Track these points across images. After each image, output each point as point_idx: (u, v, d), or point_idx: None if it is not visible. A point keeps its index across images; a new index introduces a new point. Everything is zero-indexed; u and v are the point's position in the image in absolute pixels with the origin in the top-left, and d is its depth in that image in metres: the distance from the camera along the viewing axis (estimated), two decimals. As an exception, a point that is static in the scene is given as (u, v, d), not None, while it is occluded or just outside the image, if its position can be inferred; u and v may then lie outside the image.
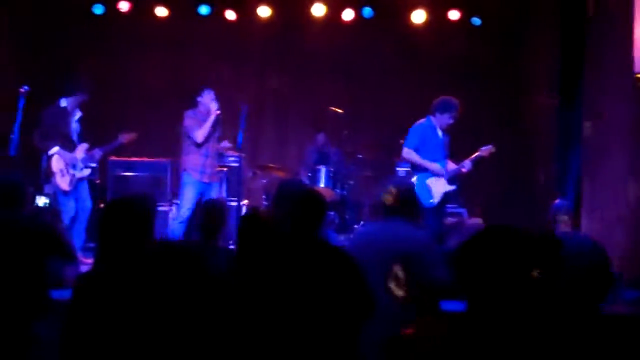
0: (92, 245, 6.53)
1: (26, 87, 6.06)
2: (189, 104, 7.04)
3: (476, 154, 6.65)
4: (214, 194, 6.91)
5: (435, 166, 6.45)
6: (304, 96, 9.61)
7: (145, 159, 8.28)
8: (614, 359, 3.10)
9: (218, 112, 6.84)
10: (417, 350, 1.99)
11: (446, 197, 6.50)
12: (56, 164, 6.52)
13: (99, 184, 8.05)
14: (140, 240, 2.54)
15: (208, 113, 6.87)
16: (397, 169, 8.49)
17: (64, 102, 6.65)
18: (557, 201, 5.15)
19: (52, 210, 3.90)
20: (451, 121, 6.50)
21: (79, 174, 6.66)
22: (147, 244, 2.55)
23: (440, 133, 6.56)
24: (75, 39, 8.97)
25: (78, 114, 6.78)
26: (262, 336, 2.95)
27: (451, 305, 3.28)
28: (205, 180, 6.89)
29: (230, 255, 4.31)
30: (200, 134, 6.80)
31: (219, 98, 7.03)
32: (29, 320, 3.59)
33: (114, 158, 8.08)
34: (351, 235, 7.69)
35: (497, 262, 1.99)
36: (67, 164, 6.57)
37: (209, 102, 6.89)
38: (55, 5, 8.78)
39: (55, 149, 6.53)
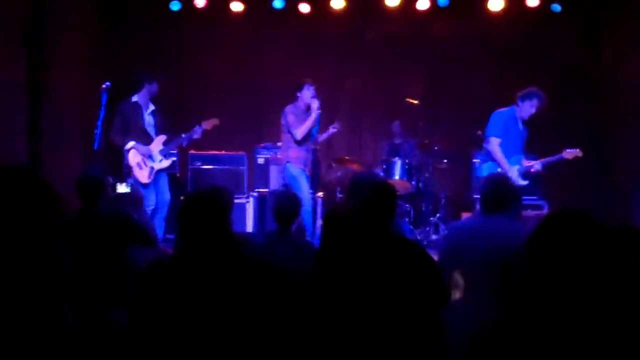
0: (171, 236, 6.73)
1: (108, 83, 6.22)
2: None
3: (556, 156, 6.50)
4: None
5: (508, 167, 6.28)
6: (379, 88, 9.56)
7: (224, 152, 8.44)
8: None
9: (319, 110, 6.97)
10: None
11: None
12: (133, 158, 6.75)
13: (179, 176, 8.25)
14: (217, 231, 2.58)
15: (308, 108, 7.02)
16: (474, 160, 8.36)
17: (135, 98, 6.88)
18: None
19: (133, 197, 4.04)
20: (533, 110, 6.34)
21: (157, 166, 6.85)
22: (223, 236, 2.59)
23: (520, 125, 6.44)
24: (154, 35, 9.18)
25: (151, 107, 6.97)
26: (340, 330, 2.96)
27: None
28: (308, 172, 7.10)
29: (305, 247, 4.36)
30: (300, 132, 6.94)
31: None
32: (109, 307, 3.70)
33: (193, 152, 8.27)
34: (446, 230, 7.70)
35: (570, 245, 1.94)
36: (143, 157, 6.78)
37: (309, 97, 7.02)
38: (134, 2, 9.01)
39: (131, 143, 6.75)
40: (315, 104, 6.96)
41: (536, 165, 6.48)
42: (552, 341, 1.89)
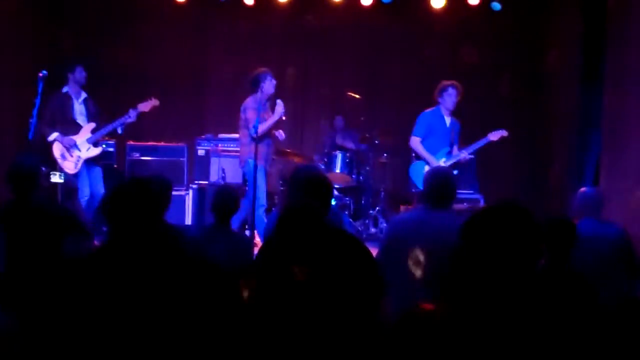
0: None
1: (45, 72, 6.11)
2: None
3: (481, 139, 6.74)
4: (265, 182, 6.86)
5: (430, 158, 6.63)
6: (321, 81, 9.60)
7: (163, 143, 8.35)
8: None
9: (283, 114, 6.73)
10: (432, 326, 1.96)
11: None
12: (56, 149, 6.69)
13: (116, 168, 8.13)
14: (145, 222, 2.54)
15: (268, 100, 6.83)
16: (414, 154, 8.46)
17: (65, 89, 6.83)
18: (584, 189, 5.04)
19: (67, 188, 3.97)
20: (454, 98, 6.66)
21: (85, 155, 6.77)
22: (155, 227, 2.56)
23: (448, 120, 6.73)
24: (96, 22, 9.03)
25: (83, 95, 6.90)
26: (276, 325, 2.97)
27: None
28: (268, 167, 6.97)
29: (244, 240, 4.37)
30: (261, 130, 6.60)
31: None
32: (42, 301, 3.64)
33: (131, 142, 8.15)
34: (385, 223, 7.82)
35: (501, 237, 1.98)
36: (67, 148, 6.71)
37: (271, 89, 6.78)
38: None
39: (54, 135, 6.69)
40: (280, 107, 6.70)
41: (462, 153, 6.71)
42: (477, 330, 1.94)
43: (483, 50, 9.24)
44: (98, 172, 6.87)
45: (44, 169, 5.24)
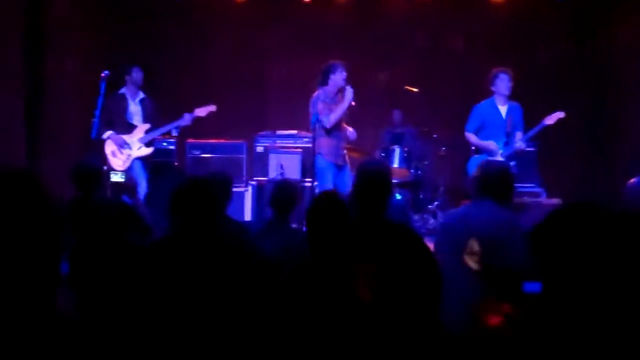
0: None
1: (107, 72, 6.26)
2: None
3: (537, 125, 6.61)
4: (347, 178, 6.69)
5: (488, 144, 6.53)
6: (379, 76, 9.56)
7: (222, 141, 8.43)
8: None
9: (352, 101, 6.59)
10: (503, 340, 1.92)
11: None
12: (108, 146, 6.90)
13: (177, 165, 8.26)
14: (209, 218, 2.59)
15: (337, 92, 6.70)
16: (473, 148, 8.36)
17: (122, 90, 7.03)
18: (633, 180, 4.90)
19: (128, 185, 4.07)
20: (508, 83, 6.54)
21: (135, 153, 6.95)
22: (214, 222, 2.61)
23: (503, 110, 6.60)
24: (155, 22, 9.19)
25: (140, 96, 7.08)
26: (334, 318, 2.97)
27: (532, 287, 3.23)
28: (339, 162, 6.79)
29: (300, 236, 4.37)
30: (331, 120, 6.59)
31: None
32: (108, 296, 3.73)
33: (191, 140, 8.27)
34: (441, 216, 7.75)
35: (578, 240, 1.90)
36: (118, 146, 6.89)
37: (341, 81, 6.67)
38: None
39: (107, 133, 6.87)
40: (349, 93, 6.58)
41: (518, 143, 6.53)
42: (562, 336, 1.87)
43: (545, 40, 9.06)
44: (139, 166, 6.99)
45: (105, 168, 5.39)
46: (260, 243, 3.95)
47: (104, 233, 4.08)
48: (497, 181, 3.82)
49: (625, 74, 8.24)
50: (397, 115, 9.05)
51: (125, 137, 6.95)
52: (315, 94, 6.71)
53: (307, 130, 7.90)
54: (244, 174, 8.26)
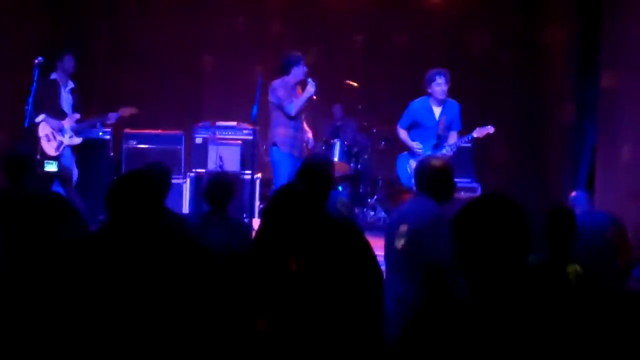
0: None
1: (40, 58, 6.09)
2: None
3: (464, 137, 6.57)
4: None
5: (414, 145, 6.48)
6: (319, 70, 9.52)
7: (160, 131, 8.30)
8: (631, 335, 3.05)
9: (313, 91, 6.58)
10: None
11: None
12: (42, 129, 6.76)
13: (113, 156, 8.10)
14: (148, 209, 2.53)
15: (296, 85, 6.65)
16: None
17: (53, 75, 6.91)
18: (574, 193, 5.12)
19: (62, 174, 3.96)
20: (444, 87, 6.43)
21: (67, 141, 6.87)
22: (154, 214, 2.55)
23: (437, 111, 6.53)
24: (91, 8, 8.98)
25: (70, 85, 7.00)
26: (275, 311, 2.95)
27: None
28: (296, 154, 6.61)
29: (241, 227, 4.34)
30: (295, 107, 6.53)
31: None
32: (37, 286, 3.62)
33: (128, 130, 8.11)
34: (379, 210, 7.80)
35: (495, 229, 1.95)
36: (53, 130, 6.79)
37: (301, 74, 6.63)
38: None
39: (42, 116, 6.73)
40: (311, 86, 6.57)
41: (446, 149, 6.50)
42: (473, 325, 1.91)
43: (480, 33, 9.20)
44: (69, 153, 6.93)
45: (38, 157, 5.25)
46: (198, 235, 3.89)
47: (35, 225, 3.96)
48: (433, 178, 3.88)
49: (559, 74, 8.44)
50: (337, 110, 9.08)
51: (61, 122, 6.86)
52: (275, 82, 6.62)
53: (245, 121, 7.85)
54: (182, 165, 8.15)
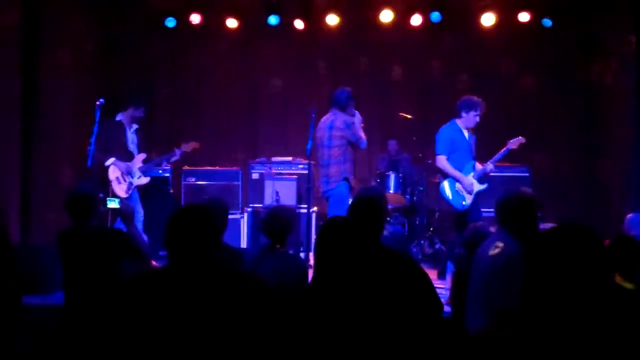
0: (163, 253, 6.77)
1: (102, 100, 6.28)
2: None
3: (502, 150, 6.61)
4: None
5: (464, 180, 6.51)
6: (373, 103, 9.59)
7: (218, 168, 8.45)
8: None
9: (362, 124, 6.71)
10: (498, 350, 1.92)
11: (478, 197, 6.56)
12: (112, 173, 6.99)
13: (173, 192, 8.27)
14: (204, 245, 2.58)
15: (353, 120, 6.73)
16: (439, 174, 8.39)
17: (119, 117, 7.14)
18: (631, 215, 5.00)
19: (124, 212, 4.04)
20: (478, 119, 6.54)
21: (136, 182, 7.11)
22: (212, 250, 2.59)
23: (466, 134, 6.61)
24: (149, 51, 9.24)
25: (134, 127, 7.22)
26: (333, 342, 2.96)
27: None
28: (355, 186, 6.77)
29: (298, 262, 4.36)
30: (365, 141, 6.67)
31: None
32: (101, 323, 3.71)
33: (186, 167, 8.28)
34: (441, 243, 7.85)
35: (571, 260, 1.93)
36: (122, 173, 7.01)
37: (353, 111, 6.72)
38: (130, 19, 9.05)
39: (111, 160, 6.96)
40: (358, 120, 6.68)
41: (488, 165, 6.56)
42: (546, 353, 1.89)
43: (534, 66, 9.14)
44: (136, 194, 7.15)
45: (101, 195, 5.38)
46: (256, 269, 3.93)
47: (97, 261, 4.06)
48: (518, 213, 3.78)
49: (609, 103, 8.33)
50: (392, 144, 9.09)
51: (128, 164, 7.08)
52: (339, 119, 6.66)
53: (300, 156, 7.94)
54: (240, 200, 8.26)
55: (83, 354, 3.71)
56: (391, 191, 8.12)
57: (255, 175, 8.33)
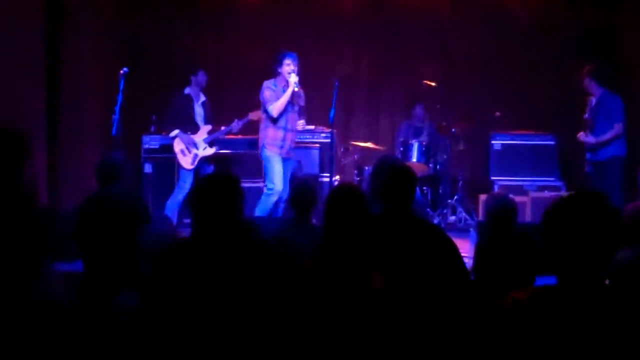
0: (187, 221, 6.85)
1: (126, 69, 6.30)
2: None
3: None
4: (288, 171, 6.87)
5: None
6: (396, 69, 9.50)
7: (240, 137, 8.42)
8: None
9: (297, 88, 6.65)
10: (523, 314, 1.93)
11: None
12: (177, 145, 7.20)
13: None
14: (230, 215, 2.60)
15: (287, 84, 6.70)
16: (492, 142, 8.32)
17: (186, 90, 7.28)
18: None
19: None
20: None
21: (201, 153, 7.26)
22: (235, 220, 2.61)
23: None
24: (170, 20, 9.20)
25: (202, 98, 7.36)
26: (360, 316, 2.95)
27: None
28: (284, 154, 6.80)
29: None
30: (275, 108, 6.65)
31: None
32: (117, 291, 3.74)
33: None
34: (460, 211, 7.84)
35: (589, 226, 1.94)
36: (187, 145, 7.16)
37: (288, 72, 6.68)
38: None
39: (175, 132, 7.17)
40: (293, 78, 6.61)
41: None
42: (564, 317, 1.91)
43: (560, 34, 8.98)
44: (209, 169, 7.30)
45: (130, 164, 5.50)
46: (284, 242, 3.96)
47: (113, 228, 4.11)
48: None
49: None
50: (419, 110, 8.89)
51: (192, 137, 7.23)
52: (264, 82, 6.78)
53: (323, 124, 7.92)
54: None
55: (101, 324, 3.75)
56: (414, 160, 8.07)
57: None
